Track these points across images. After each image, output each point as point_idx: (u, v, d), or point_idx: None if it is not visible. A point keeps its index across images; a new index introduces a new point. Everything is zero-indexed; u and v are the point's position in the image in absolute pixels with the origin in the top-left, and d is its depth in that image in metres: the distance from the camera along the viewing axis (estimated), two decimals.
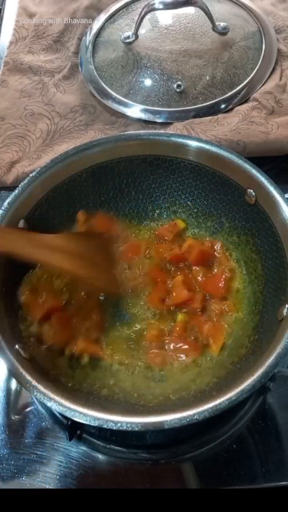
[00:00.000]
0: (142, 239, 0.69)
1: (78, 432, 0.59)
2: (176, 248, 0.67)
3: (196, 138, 0.66)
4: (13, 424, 0.60)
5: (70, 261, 0.59)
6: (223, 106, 0.82)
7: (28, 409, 0.61)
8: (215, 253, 0.66)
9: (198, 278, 0.64)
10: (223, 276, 0.64)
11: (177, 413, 0.47)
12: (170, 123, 0.81)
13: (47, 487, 0.56)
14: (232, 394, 0.47)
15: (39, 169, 0.63)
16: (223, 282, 0.63)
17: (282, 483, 0.55)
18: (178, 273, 0.65)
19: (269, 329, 0.55)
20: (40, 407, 0.61)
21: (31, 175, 0.63)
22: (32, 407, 0.62)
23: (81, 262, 0.61)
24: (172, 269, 0.65)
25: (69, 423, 0.55)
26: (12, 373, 0.50)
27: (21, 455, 0.58)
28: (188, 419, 0.46)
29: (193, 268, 0.65)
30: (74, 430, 0.57)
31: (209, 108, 0.81)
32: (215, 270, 0.65)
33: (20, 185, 0.62)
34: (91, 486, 0.56)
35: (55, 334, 0.58)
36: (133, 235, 0.69)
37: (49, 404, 0.48)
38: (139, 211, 0.71)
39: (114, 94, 0.84)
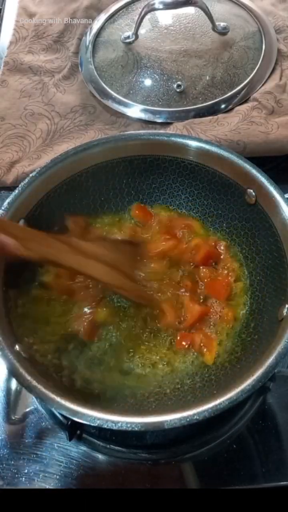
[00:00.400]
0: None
1: (78, 432, 0.59)
2: (183, 245, 0.66)
3: (196, 138, 0.66)
4: (13, 424, 0.60)
5: (108, 273, 0.57)
6: (223, 106, 0.82)
7: (28, 409, 0.61)
8: (220, 254, 0.66)
9: (205, 280, 0.64)
10: (228, 278, 0.64)
11: (177, 413, 0.47)
12: (170, 123, 0.81)
13: (47, 487, 0.56)
14: (232, 394, 0.47)
15: (39, 169, 0.63)
16: (227, 283, 0.63)
17: (282, 483, 0.55)
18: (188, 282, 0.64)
19: (269, 329, 0.55)
20: (40, 407, 0.61)
21: (31, 175, 0.62)
22: (32, 407, 0.62)
23: (118, 272, 0.58)
24: (181, 272, 0.65)
25: (69, 423, 0.55)
26: (12, 373, 0.50)
27: (21, 455, 0.58)
28: (188, 419, 0.46)
29: (200, 268, 0.64)
30: (74, 430, 0.57)
31: (209, 108, 0.81)
32: (220, 271, 0.65)
33: (20, 185, 0.62)
34: (91, 486, 0.56)
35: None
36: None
37: (49, 404, 0.48)
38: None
39: (114, 94, 0.84)
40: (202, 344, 0.59)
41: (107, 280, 0.58)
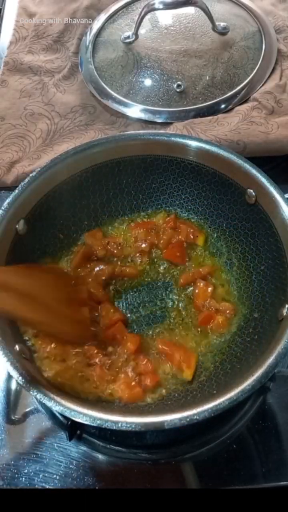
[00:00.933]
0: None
1: (78, 432, 0.59)
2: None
3: (196, 138, 0.66)
4: (13, 424, 0.60)
5: (17, 302, 0.50)
6: (223, 106, 0.82)
7: (28, 409, 0.61)
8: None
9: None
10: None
11: (177, 413, 0.47)
12: (170, 123, 0.81)
13: (47, 487, 0.56)
14: (232, 394, 0.47)
15: (39, 169, 0.63)
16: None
17: (282, 483, 0.55)
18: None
19: (269, 329, 0.55)
20: (40, 407, 0.61)
21: (31, 175, 0.62)
22: (32, 407, 0.62)
23: (34, 303, 0.51)
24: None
25: (69, 423, 0.56)
26: (12, 373, 0.50)
27: (21, 455, 0.58)
28: (188, 419, 0.46)
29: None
30: (74, 430, 0.57)
31: (209, 108, 0.81)
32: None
33: (20, 185, 0.62)
34: (91, 486, 0.56)
35: None
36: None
37: (49, 404, 0.48)
38: (139, 211, 0.71)
39: (114, 94, 0.84)
40: (181, 360, 0.58)
41: (21, 313, 0.51)
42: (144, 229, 0.69)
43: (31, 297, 0.51)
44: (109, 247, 0.67)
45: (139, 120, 0.83)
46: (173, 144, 0.66)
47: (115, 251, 0.67)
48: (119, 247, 0.68)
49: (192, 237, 0.68)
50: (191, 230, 0.68)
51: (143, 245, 0.67)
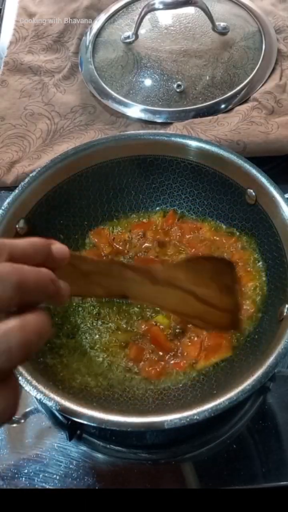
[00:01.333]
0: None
1: (78, 432, 0.59)
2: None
3: (196, 138, 0.66)
4: (13, 424, 0.60)
5: (187, 302, 0.48)
6: (223, 106, 0.82)
7: (28, 409, 0.61)
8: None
9: None
10: None
11: (177, 413, 0.47)
12: (170, 123, 0.81)
13: (47, 487, 0.56)
14: (232, 394, 0.47)
15: (39, 169, 0.63)
16: None
17: (282, 483, 0.55)
18: None
19: (269, 329, 0.55)
20: (40, 407, 0.61)
21: (31, 175, 0.62)
22: (32, 407, 0.62)
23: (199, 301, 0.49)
24: None
25: (69, 423, 0.56)
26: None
27: (21, 455, 0.58)
28: (188, 419, 0.46)
29: None
30: (74, 430, 0.57)
31: (209, 108, 0.81)
32: None
33: (20, 185, 0.62)
34: (91, 486, 0.56)
35: None
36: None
37: (49, 404, 0.48)
38: (139, 211, 0.71)
39: (114, 94, 0.84)
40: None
41: (187, 312, 0.50)
42: (146, 228, 0.69)
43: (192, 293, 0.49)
44: (115, 244, 0.68)
45: (139, 120, 0.83)
46: (173, 144, 0.66)
47: (121, 248, 0.67)
48: (126, 244, 0.67)
49: (196, 231, 0.68)
50: (193, 225, 0.68)
51: (146, 244, 0.67)
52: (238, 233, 0.66)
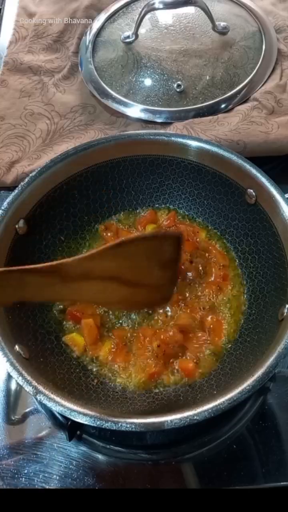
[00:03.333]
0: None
1: (78, 432, 0.59)
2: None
3: (196, 138, 0.66)
4: (13, 424, 0.60)
5: (112, 291, 0.47)
6: (223, 106, 0.82)
7: (28, 409, 0.61)
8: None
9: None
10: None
11: (177, 413, 0.47)
12: (170, 123, 0.80)
13: (47, 487, 0.56)
14: (232, 394, 0.47)
15: (39, 169, 0.63)
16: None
17: (282, 483, 0.55)
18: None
19: (269, 329, 0.55)
20: (40, 407, 0.61)
21: (31, 175, 0.62)
22: (32, 407, 0.62)
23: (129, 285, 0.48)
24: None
25: (69, 423, 0.55)
26: (12, 373, 0.50)
27: (21, 455, 0.58)
28: (188, 419, 0.46)
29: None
30: (74, 430, 0.57)
31: (209, 108, 0.81)
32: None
33: (20, 185, 0.62)
34: (91, 486, 0.56)
35: None
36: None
37: (49, 404, 0.48)
38: (139, 211, 0.71)
39: (114, 94, 0.84)
40: None
41: (111, 301, 0.50)
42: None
43: (118, 278, 0.48)
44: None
45: (139, 120, 0.83)
46: (173, 144, 0.66)
47: None
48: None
49: (192, 234, 0.68)
50: (191, 228, 0.68)
51: None
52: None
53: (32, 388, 0.49)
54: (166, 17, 0.88)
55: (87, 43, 0.91)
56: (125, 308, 0.54)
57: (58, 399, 0.48)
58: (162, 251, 0.49)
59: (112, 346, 0.60)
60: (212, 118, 0.80)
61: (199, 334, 0.60)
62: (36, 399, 0.54)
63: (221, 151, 0.63)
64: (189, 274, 0.65)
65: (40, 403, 0.61)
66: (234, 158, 0.62)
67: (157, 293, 0.53)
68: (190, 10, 0.87)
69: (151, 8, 0.82)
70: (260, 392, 0.60)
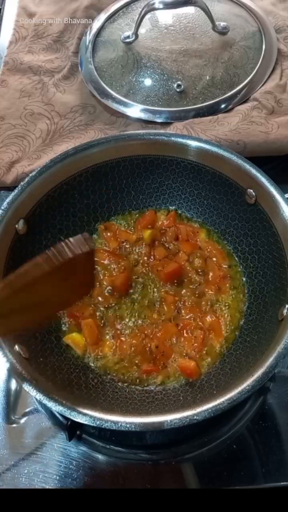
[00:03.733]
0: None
1: (78, 432, 0.59)
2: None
3: (196, 138, 0.66)
4: (13, 424, 0.60)
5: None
6: (223, 106, 0.82)
7: (28, 409, 0.61)
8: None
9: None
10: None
11: (177, 413, 0.47)
12: (170, 123, 0.80)
13: (47, 487, 0.56)
14: (232, 394, 0.47)
15: (39, 169, 0.63)
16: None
17: (282, 483, 0.55)
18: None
19: (269, 329, 0.55)
20: (40, 407, 0.61)
21: (31, 175, 0.62)
22: (32, 407, 0.62)
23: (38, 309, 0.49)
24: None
25: (69, 423, 0.55)
26: (12, 373, 0.50)
27: (21, 455, 0.58)
28: (188, 419, 0.46)
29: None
30: (74, 430, 0.57)
31: (209, 108, 0.81)
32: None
33: (20, 185, 0.62)
34: (91, 486, 0.56)
35: None
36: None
37: (49, 403, 0.48)
38: (139, 211, 0.71)
39: (114, 94, 0.84)
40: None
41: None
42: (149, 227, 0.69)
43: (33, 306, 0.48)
44: (119, 239, 0.68)
45: (139, 120, 0.83)
46: (173, 144, 0.66)
47: (126, 244, 0.68)
48: (131, 241, 0.68)
49: (192, 234, 0.68)
50: (191, 228, 0.68)
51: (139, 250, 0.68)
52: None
53: (32, 388, 0.49)
54: (166, 17, 0.88)
55: (87, 43, 0.91)
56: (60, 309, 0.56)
57: (58, 399, 0.48)
58: (77, 264, 0.48)
59: (112, 346, 0.60)
60: (212, 118, 0.80)
61: (199, 334, 0.61)
62: (36, 399, 0.54)
63: (221, 151, 0.63)
64: (189, 274, 0.65)
65: (40, 403, 0.61)
66: (234, 158, 0.62)
67: (76, 293, 0.54)
68: (190, 10, 0.87)
69: (151, 8, 0.82)
70: (260, 392, 0.60)
